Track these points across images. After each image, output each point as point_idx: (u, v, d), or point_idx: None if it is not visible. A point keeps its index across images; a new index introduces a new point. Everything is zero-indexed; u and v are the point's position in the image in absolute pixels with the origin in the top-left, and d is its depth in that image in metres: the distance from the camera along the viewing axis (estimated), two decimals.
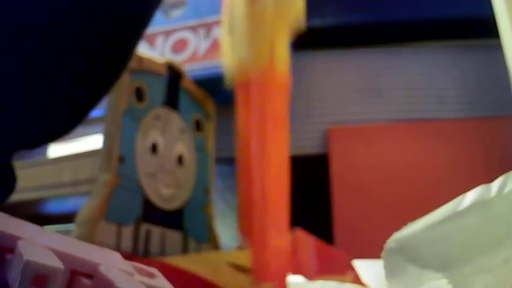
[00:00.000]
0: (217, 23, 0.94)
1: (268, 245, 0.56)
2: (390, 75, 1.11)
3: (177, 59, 0.92)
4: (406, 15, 1.10)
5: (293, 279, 0.47)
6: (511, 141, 0.99)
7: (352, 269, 0.64)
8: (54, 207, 0.76)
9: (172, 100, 0.77)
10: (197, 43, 0.95)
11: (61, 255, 0.18)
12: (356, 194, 0.99)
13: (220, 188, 0.99)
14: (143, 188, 0.68)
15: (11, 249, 0.18)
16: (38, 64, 0.31)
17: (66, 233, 0.62)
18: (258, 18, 0.62)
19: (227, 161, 0.91)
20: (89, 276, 0.19)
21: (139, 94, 0.71)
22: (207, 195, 0.82)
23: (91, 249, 0.20)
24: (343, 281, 0.53)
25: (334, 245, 0.91)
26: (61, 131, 0.35)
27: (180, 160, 0.77)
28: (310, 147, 1.06)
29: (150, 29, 0.97)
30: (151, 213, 0.69)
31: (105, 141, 0.65)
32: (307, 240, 0.67)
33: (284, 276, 0.54)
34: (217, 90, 0.86)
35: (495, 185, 0.22)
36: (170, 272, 0.55)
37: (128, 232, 0.64)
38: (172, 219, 0.73)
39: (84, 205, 0.61)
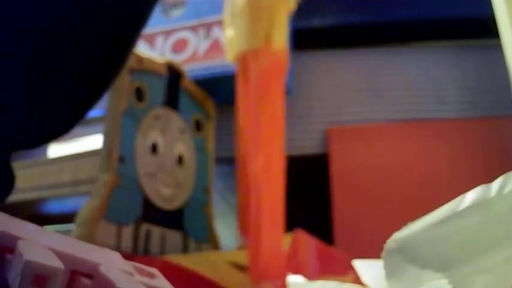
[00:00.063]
0: (217, 23, 0.94)
1: (264, 244, 0.56)
2: (390, 75, 1.11)
3: (177, 59, 0.92)
4: (406, 15, 1.10)
5: (293, 279, 0.47)
6: (511, 141, 0.99)
7: (352, 269, 0.64)
8: (54, 207, 0.76)
9: (172, 100, 0.77)
10: (197, 43, 0.95)
11: (61, 255, 0.18)
12: (356, 194, 0.99)
13: (220, 188, 0.99)
14: (143, 188, 0.68)
15: (11, 249, 0.18)
16: (38, 64, 0.31)
17: (66, 233, 0.62)
18: (255, 3, 0.63)
19: (227, 161, 0.91)
20: (89, 276, 0.19)
21: (139, 94, 0.71)
22: (207, 195, 0.82)
23: (91, 249, 0.20)
24: (343, 280, 0.53)
25: (334, 245, 0.91)
26: (61, 130, 0.35)
27: (180, 160, 0.77)
28: (310, 147, 1.06)
29: (150, 29, 0.98)
30: (151, 213, 0.69)
31: (105, 141, 0.65)
32: (307, 241, 0.67)
33: (281, 276, 0.54)
34: (217, 90, 0.87)
35: (495, 185, 0.22)
36: (171, 271, 0.55)
37: (127, 232, 0.64)
38: (172, 219, 0.73)
39: (84, 205, 0.61)
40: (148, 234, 0.68)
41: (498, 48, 0.72)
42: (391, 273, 0.24)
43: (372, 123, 1.08)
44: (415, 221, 0.24)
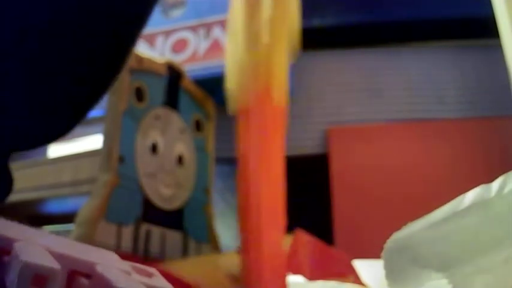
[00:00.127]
0: (217, 23, 0.94)
1: (265, 245, 0.56)
2: (390, 75, 1.11)
3: (177, 59, 0.92)
4: (406, 15, 1.10)
5: (293, 279, 0.47)
6: (511, 141, 0.99)
7: (352, 270, 0.64)
8: (54, 207, 0.76)
9: (172, 100, 0.77)
10: (197, 43, 0.95)
11: (58, 256, 0.18)
12: (356, 194, 0.99)
13: (220, 188, 0.99)
14: (143, 188, 0.68)
15: (8, 251, 0.18)
16: (38, 64, 0.31)
17: (66, 233, 0.62)
18: (255, 45, 0.63)
19: (227, 161, 0.91)
20: (87, 276, 0.19)
21: (139, 94, 0.71)
22: (207, 195, 0.82)
23: (88, 250, 0.20)
24: (343, 280, 0.53)
25: (334, 245, 0.91)
26: (61, 131, 0.35)
27: (180, 160, 0.77)
28: (310, 147, 1.06)
29: (150, 29, 0.98)
30: (151, 213, 0.69)
31: (105, 141, 0.65)
32: (307, 241, 0.67)
33: (281, 277, 0.54)
34: (217, 90, 0.86)
35: (495, 185, 0.22)
36: (168, 280, 0.55)
37: (128, 232, 0.64)
38: (172, 219, 0.73)
39: (84, 205, 0.61)
40: (148, 234, 0.68)
41: (498, 48, 0.72)
42: (391, 273, 0.24)
43: (372, 123, 1.08)
44: (415, 221, 0.24)
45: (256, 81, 0.62)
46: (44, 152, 0.79)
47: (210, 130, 0.85)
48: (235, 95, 0.65)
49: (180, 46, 0.96)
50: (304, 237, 0.67)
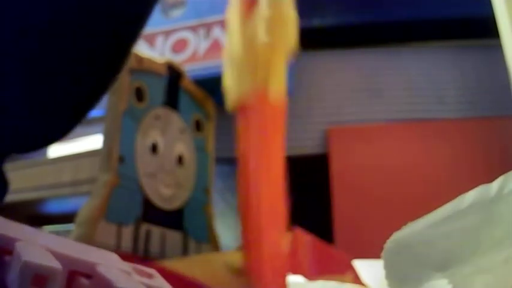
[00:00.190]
0: (217, 23, 0.94)
1: (266, 247, 0.56)
2: (390, 75, 1.11)
3: (177, 59, 0.92)
4: (406, 15, 1.10)
5: (293, 279, 0.47)
6: (511, 141, 0.99)
7: (351, 268, 0.64)
8: (54, 207, 0.76)
9: (172, 100, 0.77)
10: (197, 43, 0.95)
11: (59, 256, 0.18)
12: (356, 194, 0.99)
13: (220, 188, 0.99)
14: (143, 188, 0.68)
15: (9, 251, 0.18)
16: (38, 64, 0.31)
17: (66, 233, 0.62)
18: (253, 45, 0.63)
19: (227, 161, 0.91)
20: (88, 276, 0.19)
21: (139, 94, 0.71)
22: (207, 195, 0.82)
23: (89, 250, 0.20)
24: (343, 280, 0.53)
25: (334, 245, 0.91)
26: (61, 131, 0.35)
27: (180, 160, 0.77)
28: (310, 147, 1.06)
29: (150, 29, 0.98)
30: (151, 213, 0.69)
31: (105, 141, 0.65)
32: (306, 240, 0.67)
33: (281, 277, 0.54)
34: (217, 90, 0.86)
35: (495, 185, 0.22)
36: (168, 277, 0.55)
37: (128, 232, 0.64)
38: (172, 219, 0.73)
39: (84, 205, 0.61)
40: (148, 234, 0.68)
41: (498, 48, 0.72)
42: (391, 273, 0.24)
43: (372, 123, 1.08)
44: (415, 221, 0.24)
45: (255, 80, 0.62)
46: (44, 152, 0.79)
47: (210, 130, 0.85)
48: (234, 93, 0.65)
49: (180, 46, 0.96)
50: (303, 237, 0.67)
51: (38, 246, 0.18)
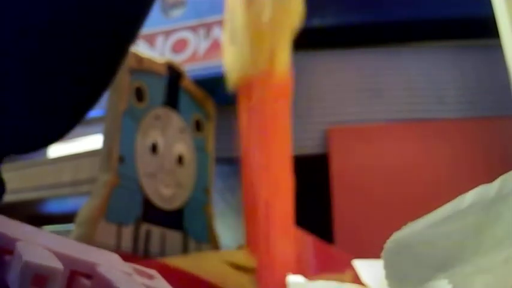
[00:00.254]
0: (217, 23, 0.94)
1: (273, 249, 0.56)
2: (390, 75, 1.11)
3: (177, 59, 0.92)
4: (406, 15, 1.10)
5: (293, 279, 0.47)
6: (511, 141, 0.99)
7: (351, 267, 0.64)
8: (54, 207, 0.76)
9: (172, 100, 0.77)
10: (197, 43, 0.95)
11: (60, 256, 0.18)
12: (356, 194, 0.99)
13: (220, 188, 0.99)
14: (143, 188, 0.68)
15: (10, 251, 0.18)
16: (38, 64, 0.31)
17: (66, 233, 0.62)
18: (257, 22, 0.62)
19: (227, 161, 0.91)
20: (88, 276, 0.19)
21: (139, 94, 0.71)
22: (207, 195, 0.82)
23: (89, 250, 0.20)
24: (342, 279, 0.53)
25: (334, 244, 0.91)
26: (61, 131, 0.35)
27: (180, 160, 0.77)
28: (310, 147, 1.06)
29: (150, 29, 0.98)
30: (151, 213, 0.69)
31: (105, 141, 0.65)
32: (306, 240, 0.67)
33: (286, 276, 0.54)
34: (217, 90, 0.86)
35: (495, 185, 0.22)
36: (170, 274, 0.55)
37: (127, 232, 0.64)
38: (172, 219, 0.73)
39: (84, 205, 0.61)
40: (148, 234, 0.68)
41: (498, 48, 0.72)
42: (391, 273, 0.24)
43: (372, 123, 1.08)
44: (415, 221, 0.24)
45: (258, 58, 0.62)
46: (44, 152, 0.79)
47: (210, 130, 0.85)
48: (235, 72, 0.64)
49: (180, 46, 0.96)
50: (303, 237, 0.67)
51: (39, 246, 0.18)
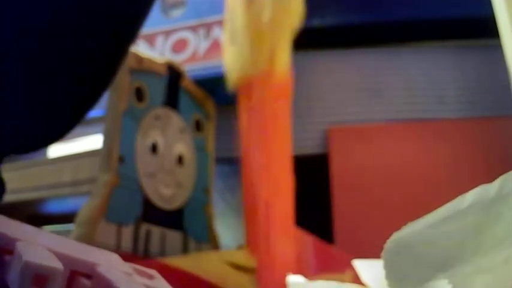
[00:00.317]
0: (217, 23, 0.94)
1: (273, 249, 0.56)
2: (390, 75, 1.11)
3: (177, 59, 0.92)
4: (406, 15, 1.10)
5: (293, 279, 0.47)
6: (511, 141, 0.99)
7: (351, 267, 0.64)
8: (54, 207, 0.76)
9: (172, 100, 0.77)
10: (197, 43, 0.95)
11: (60, 256, 0.18)
12: (356, 194, 0.99)
13: (220, 188, 0.99)
14: (143, 188, 0.68)
15: (10, 251, 0.18)
16: (38, 64, 0.31)
17: (66, 233, 0.62)
18: (257, 22, 0.62)
19: (227, 161, 0.91)
20: (88, 276, 0.19)
21: (139, 94, 0.71)
22: (207, 195, 0.82)
23: (89, 250, 0.20)
24: (342, 279, 0.53)
25: (334, 244, 0.91)
26: (61, 131, 0.35)
27: (180, 160, 0.77)
28: (310, 147, 1.06)
29: (150, 29, 0.98)
30: (151, 213, 0.69)
31: (105, 141, 0.65)
32: (306, 240, 0.67)
33: (286, 276, 0.54)
34: (217, 90, 0.86)
35: (495, 185, 0.22)
36: (170, 274, 0.55)
37: (127, 232, 0.64)
38: (172, 219, 0.73)
39: (84, 205, 0.61)
40: (148, 234, 0.68)
41: (498, 48, 0.72)
42: (391, 273, 0.24)
43: (372, 123, 1.08)
44: (415, 221, 0.24)
45: (258, 58, 0.62)
46: (44, 152, 0.79)
47: (210, 130, 0.85)
48: (235, 72, 0.64)
49: (180, 46, 0.96)
50: (303, 236, 0.67)
51: (39, 246, 0.18)
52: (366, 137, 1.05)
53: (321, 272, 0.64)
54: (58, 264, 0.17)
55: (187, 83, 0.81)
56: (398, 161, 1.01)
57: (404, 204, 0.92)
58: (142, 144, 0.70)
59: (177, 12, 1.00)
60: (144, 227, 0.67)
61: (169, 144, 0.75)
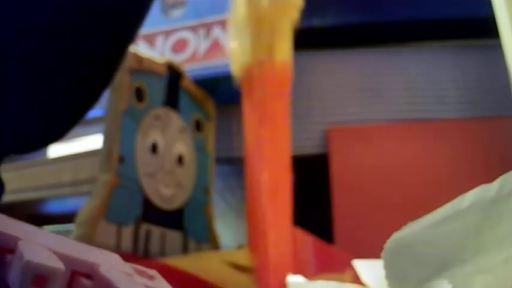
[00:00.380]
0: (217, 23, 0.94)
1: (273, 249, 0.56)
2: (390, 75, 1.11)
3: (177, 59, 0.92)
4: (406, 15, 1.10)
5: (293, 279, 0.47)
6: (511, 141, 0.99)
7: (351, 267, 0.64)
8: (54, 207, 0.76)
9: (172, 100, 0.77)
10: (197, 43, 0.95)
11: (61, 256, 0.18)
12: (356, 194, 0.99)
13: (220, 188, 0.99)
14: (143, 188, 0.68)
15: (11, 250, 0.18)
16: (38, 64, 0.31)
17: (66, 233, 0.62)
18: (257, 12, 0.62)
19: (227, 161, 0.91)
20: (89, 276, 0.19)
21: (139, 94, 0.71)
22: (207, 195, 0.82)
23: (90, 250, 0.20)
24: (342, 279, 0.53)
25: (334, 244, 0.91)
26: (61, 131, 0.35)
27: (180, 160, 0.77)
28: (310, 147, 1.06)
29: (150, 29, 0.98)
30: (151, 213, 0.69)
31: (105, 141, 0.65)
32: (306, 240, 0.67)
33: (285, 276, 0.54)
34: (217, 90, 0.86)
35: (495, 185, 0.22)
36: (170, 274, 0.55)
37: (127, 232, 0.64)
38: (172, 219, 0.73)
39: (84, 205, 0.61)
40: (148, 234, 0.68)
41: (498, 48, 0.72)
42: (391, 273, 0.24)
43: (372, 123, 1.08)
44: (415, 221, 0.24)
45: (259, 47, 0.62)
46: (44, 152, 0.79)
47: (210, 130, 0.85)
48: (239, 62, 0.64)
49: (180, 46, 0.96)
50: (303, 236, 0.67)
51: (41, 246, 0.18)
52: (366, 137, 1.05)
53: (321, 272, 0.64)
54: (59, 264, 0.17)
55: (187, 83, 0.81)
56: (398, 161, 1.01)
57: (404, 204, 0.92)
58: (142, 144, 0.70)
59: (177, 12, 1.00)
60: (144, 227, 0.67)
61: (169, 144, 0.75)
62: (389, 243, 0.24)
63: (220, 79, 0.87)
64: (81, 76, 0.34)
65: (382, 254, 0.24)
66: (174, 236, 0.73)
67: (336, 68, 1.14)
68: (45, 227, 0.79)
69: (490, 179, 0.22)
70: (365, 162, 1.02)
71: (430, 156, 1.01)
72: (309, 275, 0.60)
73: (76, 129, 0.36)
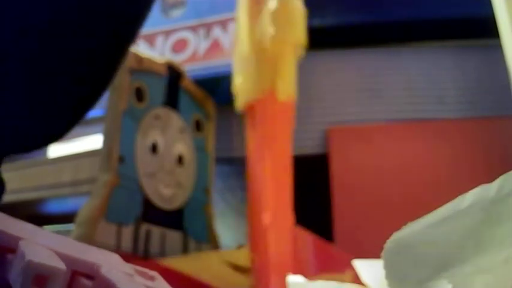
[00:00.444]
0: (217, 23, 0.94)
1: (273, 249, 0.56)
2: (390, 75, 1.11)
3: (177, 59, 0.92)
4: (406, 15, 1.10)
5: (293, 279, 0.47)
6: (511, 141, 0.99)
7: (351, 267, 0.64)
8: (54, 207, 0.76)
9: (172, 100, 0.77)
10: (197, 43, 0.95)
11: (62, 256, 0.18)
12: (356, 194, 0.99)
13: (220, 188, 0.99)
14: (143, 188, 0.68)
15: (12, 250, 0.18)
16: (38, 64, 0.31)
17: (66, 233, 0.62)
18: (261, 50, 0.63)
19: (227, 161, 0.91)
20: (90, 277, 0.19)
21: (139, 94, 0.71)
22: (207, 195, 0.82)
23: (91, 251, 0.20)
24: (342, 279, 0.53)
25: (334, 244, 0.91)
26: (61, 131, 0.35)
27: (180, 160, 0.77)
28: (310, 147, 1.06)
29: (150, 29, 0.98)
30: (151, 213, 0.69)
31: (105, 141, 0.65)
32: (306, 239, 0.67)
33: (285, 277, 0.54)
34: (217, 90, 0.86)
35: (495, 185, 0.22)
36: (169, 276, 0.55)
37: (127, 232, 0.64)
38: (172, 219, 0.73)
39: (84, 205, 0.61)
40: (148, 234, 0.68)
41: (498, 48, 0.72)
42: (391, 273, 0.24)
43: (372, 123, 1.08)
44: (415, 221, 0.24)
45: (263, 79, 0.62)
46: (44, 152, 0.79)
47: (210, 130, 0.85)
48: (243, 93, 0.64)
49: (180, 46, 0.96)
50: (303, 236, 0.67)
51: (42, 246, 0.18)
52: (365, 137, 1.05)
53: (321, 272, 0.64)
54: (60, 264, 0.17)
55: (187, 83, 0.81)
56: (398, 161, 1.01)
57: (404, 204, 0.92)
58: (142, 144, 0.70)
59: (177, 12, 1.00)
60: (144, 227, 0.67)
61: (169, 144, 0.75)
62: (389, 243, 0.24)
63: (220, 79, 0.87)
64: (81, 76, 0.34)
65: (382, 254, 0.24)
66: (174, 236, 0.73)
67: (336, 68, 1.14)
68: (45, 227, 0.79)
69: (490, 179, 0.22)
70: (365, 162, 1.02)
71: (430, 156, 1.01)
72: (309, 275, 0.60)
73: (76, 129, 0.36)
